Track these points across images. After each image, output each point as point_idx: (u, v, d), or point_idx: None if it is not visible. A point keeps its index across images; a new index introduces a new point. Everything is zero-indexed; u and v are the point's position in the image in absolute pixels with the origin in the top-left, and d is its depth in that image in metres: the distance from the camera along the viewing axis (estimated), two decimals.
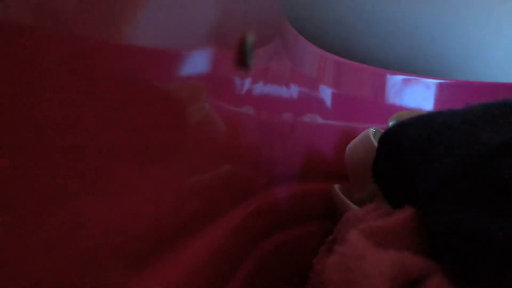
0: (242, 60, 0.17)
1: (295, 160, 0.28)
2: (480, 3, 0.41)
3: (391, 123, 0.25)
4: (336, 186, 0.27)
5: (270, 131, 0.23)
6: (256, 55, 0.19)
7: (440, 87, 0.35)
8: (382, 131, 0.19)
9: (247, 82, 0.18)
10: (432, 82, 0.35)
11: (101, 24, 0.09)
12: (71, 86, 0.08)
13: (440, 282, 0.12)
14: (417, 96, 0.34)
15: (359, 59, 0.33)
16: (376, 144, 0.23)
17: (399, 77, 0.34)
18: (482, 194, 0.13)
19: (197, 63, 0.14)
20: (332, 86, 0.31)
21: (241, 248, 0.19)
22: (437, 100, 0.35)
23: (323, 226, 0.26)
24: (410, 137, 0.16)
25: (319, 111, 0.30)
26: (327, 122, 0.31)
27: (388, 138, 0.18)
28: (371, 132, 0.26)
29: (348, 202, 0.25)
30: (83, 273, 0.09)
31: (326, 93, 0.30)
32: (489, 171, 0.13)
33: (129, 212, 0.11)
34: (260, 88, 0.20)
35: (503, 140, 0.13)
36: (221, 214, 0.17)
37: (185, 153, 0.14)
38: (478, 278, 0.12)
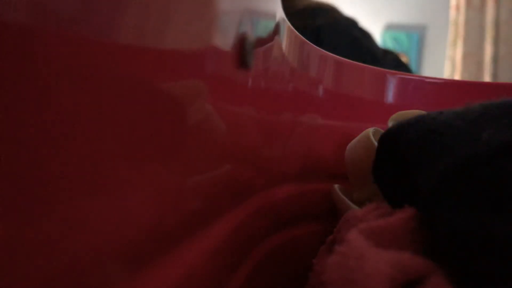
0: (242, 60, 0.17)
1: (295, 160, 0.28)
2: None
3: (391, 123, 0.25)
4: (336, 186, 0.27)
5: (270, 131, 0.23)
6: (256, 55, 0.19)
7: (440, 87, 0.35)
8: (382, 131, 0.19)
9: (247, 82, 0.18)
10: (432, 82, 0.35)
11: (101, 24, 0.09)
12: (70, 86, 0.08)
13: (440, 282, 0.12)
14: (417, 96, 0.34)
15: None
16: (376, 144, 0.23)
17: (399, 77, 0.34)
18: (483, 194, 0.13)
19: (197, 63, 0.14)
20: (332, 86, 0.31)
21: (241, 248, 0.19)
22: (437, 100, 0.35)
23: (323, 226, 0.26)
24: (410, 137, 0.16)
25: (319, 111, 0.30)
26: (327, 122, 0.31)
27: (388, 138, 0.18)
28: (371, 132, 0.25)
29: (348, 202, 0.25)
30: (83, 273, 0.09)
31: (326, 93, 0.30)
32: (490, 171, 0.13)
33: (129, 212, 0.11)
34: (260, 88, 0.20)
35: (503, 139, 0.13)
36: (221, 214, 0.17)
37: (185, 153, 0.14)
38: (479, 278, 0.12)
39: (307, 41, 0.27)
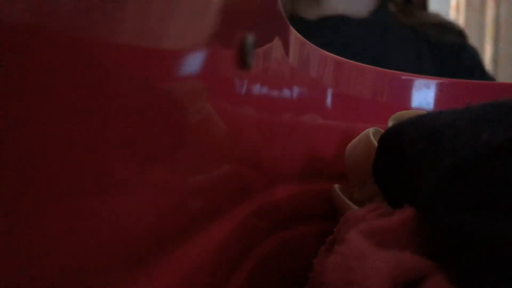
0: (242, 60, 0.17)
1: (295, 160, 0.28)
2: None
3: (391, 123, 0.25)
4: (336, 186, 0.27)
5: (270, 131, 0.23)
6: (256, 55, 0.19)
7: (440, 87, 0.35)
8: (382, 131, 0.19)
9: (247, 82, 0.18)
10: (432, 82, 0.35)
11: (101, 24, 0.09)
12: (70, 86, 0.08)
13: (440, 282, 0.12)
14: (417, 96, 0.34)
15: None
16: (376, 144, 0.23)
17: (399, 77, 0.34)
18: (483, 194, 0.13)
19: (197, 63, 0.14)
20: (332, 86, 0.31)
21: (241, 248, 0.19)
22: (437, 100, 0.35)
23: (323, 226, 0.26)
24: (410, 137, 0.16)
25: (319, 111, 0.30)
26: (327, 122, 0.31)
27: (388, 138, 0.18)
28: (371, 132, 0.25)
29: (348, 202, 0.25)
30: (83, 273, 0.09)
31: (326, 93, 0.30)
32: (490, 171, 0.13)
33: (129, 212, 0.11)
34: (260, 88, 0.20)
35: (503, 139, 0.13)
36: (221, 214, 0.17)
37: (185, 153, 0.14)
38: (479, 278, 0.12)
39: (307, 41, 0.27)
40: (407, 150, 0.16)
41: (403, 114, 0.26)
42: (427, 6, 0.75)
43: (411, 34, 0.65)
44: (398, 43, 0.64)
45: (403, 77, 0.34)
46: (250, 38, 0.17)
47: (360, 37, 0.64)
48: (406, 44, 0.64)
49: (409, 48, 0.64)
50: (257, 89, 0.20)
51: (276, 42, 0.22)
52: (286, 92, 0.25)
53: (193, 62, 0.14)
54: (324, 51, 0.30)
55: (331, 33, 0.64)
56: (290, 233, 0.26)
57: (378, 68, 0.34)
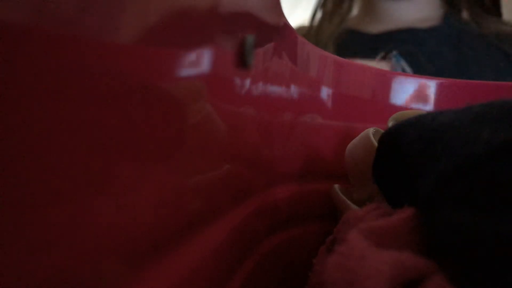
0: (242, 60, 0.17)
1: (295, 160, 0.28)
2: None
3: (391, 123, 0.25)
4: (336, 186, 0.27)
5: (270, 131, 0.23)
6: (256, 55, 0.19)
7: (440, 87, 0.35)
8: (382, 131, 0.19)
9: (247, 82, 0.18)
10: (432, 82, 0.35)
11: (101, 24, 0.09)
12: (70, 86, 0.08)
13: (440, 282, 0.12)
14: (417, 96, 0.34)
15: None
16: (376, 144, 0.23)
17: (399, 77, 0.34)
18: (483, 194, 0.13)
19: (197, 63, 0.14)
20: (332, 86, 0.31)
21: (241, 248, 0.19)
22: (437, 100, 0.35)
23: (323, 226, 0.26)
24: (410, 137, 0.16)
25: (319, 111, 0.30)
26: (327, 122, 0.31)
27: (388, 138, 0.18)
28: (371, 132, 0.25)
29: (348, 202, 0.25)
30: (82, 273, 0.09)
31: (326, 93, 0.30)
32: (490, 171, 0.13)
33: (129, 212, 0.11)
34: (260, 88, 0.20)
35: (503, 140, 0.13)
36: (221, 214, 0.17)
37: (185, 153, 0.14)
38: (478, 278, 0.12)
39: (307, 41, 0.27)
40: (407, 150, 0.16)
41: (403, 114, 0.26)
42: (501, 13, 0.70)
43: (486, 44, 0.62)
44: (474, 52, 0.61)
45: (403, 77, 0.34)
46: (250, 38, 0.17)
47: (430, 47, 0.60)
48: (482, 54, 0.61)
49: (485, 58, 0.61)
50: (257, 89, 0.20)
51: (276, 42, 0.22)
52: (286, 92, 0.25)
53: (193, 62, 0.14)
54: (324, 51, 0.30)
55: (397, 46, 0.60)
56: (290, 233, 0.26)
57: (378, 68, 0.34)
